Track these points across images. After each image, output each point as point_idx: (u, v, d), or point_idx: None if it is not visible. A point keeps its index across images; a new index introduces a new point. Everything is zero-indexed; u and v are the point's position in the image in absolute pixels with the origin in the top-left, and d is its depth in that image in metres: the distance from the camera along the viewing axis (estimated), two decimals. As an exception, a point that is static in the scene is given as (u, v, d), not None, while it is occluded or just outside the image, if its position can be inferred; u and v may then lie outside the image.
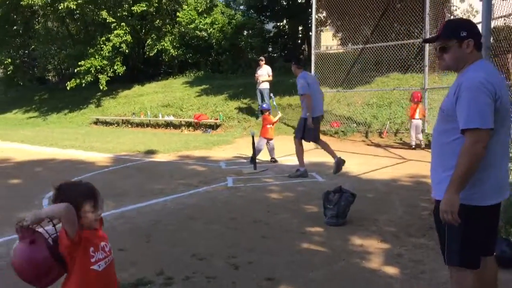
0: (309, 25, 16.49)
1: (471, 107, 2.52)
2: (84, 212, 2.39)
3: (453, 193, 2.53)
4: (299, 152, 8.45)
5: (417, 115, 11.35)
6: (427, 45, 11.79)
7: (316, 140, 8.56)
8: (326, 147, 8.36)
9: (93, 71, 21.55)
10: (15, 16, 25.39)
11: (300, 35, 24.47)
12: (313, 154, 9.89)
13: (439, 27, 3.29)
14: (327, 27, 21.41)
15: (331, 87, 14.80)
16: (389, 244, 4.80)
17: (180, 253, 4.71)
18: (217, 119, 16.58)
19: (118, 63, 22.22)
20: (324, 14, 19.65)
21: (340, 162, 7.98)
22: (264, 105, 10.69)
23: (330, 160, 8.33)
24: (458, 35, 2.69)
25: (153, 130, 18.17)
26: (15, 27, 26.17)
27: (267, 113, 10.12)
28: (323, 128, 13.53)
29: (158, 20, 23.39)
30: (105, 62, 21.66)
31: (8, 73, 27.86)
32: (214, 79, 22.32)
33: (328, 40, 21.61)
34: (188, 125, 17.45)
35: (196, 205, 6.70)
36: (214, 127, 16.59)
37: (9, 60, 26.05)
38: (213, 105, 18.18)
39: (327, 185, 7.05)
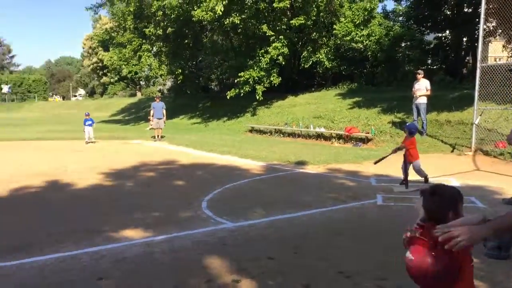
0: (476, 36, 15.25)
1: None
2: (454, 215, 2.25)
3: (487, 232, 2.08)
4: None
5: None
6: None
7: None
8: None
9: (251, 82, 22.78)
10: (186, 31, 28.08)
11: (464, 47, 22.78)
12: (473, 176, 9.09)
13: None
14: (497, 37, 19.58)
15: (497, 103, 13.47)
16: None
17: (326, 268, 4.72)
18: (368, 133, 16.23)
19: (274, 74, 23.14)
20: (494, 23, 18.00)
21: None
22: (412, 126, 9.79)
23: (491, 183, 7.58)
24: None
25: (303, 141, 18.49)
26: (186, 41, 28.91)
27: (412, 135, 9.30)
28: (486, 148, 12.38)
29: (314, 33, 23.84)
30: (262, 73, 22.74)
31: (178, 82, 30.85)
32: (367, 91, 21.93)
33: (497, 51, 19.76)
34: (339, 137, 17.39)
35: (344, 221, 6.65)
36: (365, 141, 16.27)
37: (180, 70, 28.84)
38: (365, 118, 17.85)
39: (488, 213, 6.42)
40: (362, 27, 21.96)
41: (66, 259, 5.09)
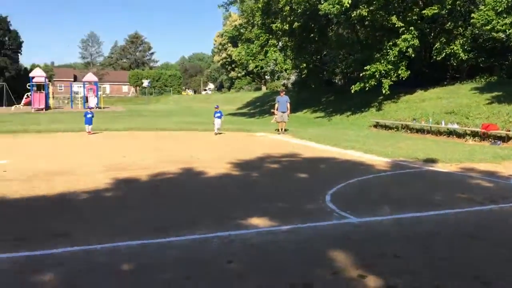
0: None
1: None
2: None
3: None
4: None
5: None
6: None
7: None
8: None
9: (377, 76, 22.13)
10: (312, 25, 28.14)
11: None
12: None
13: None
14: None
15: None
16: None
17: (460, 271, 4.45)
18: (509, 130, 14.85)
19: (403, 67, 22.21)
20: None
21: None
22: None
23: None
24: None
25: (433, 138, 17.52)
26: (311, 35, 28.99)
27: None
28: None
29: (449, 23, 22.38)
30: (389, 66, 21.96)
31: (302, 76, 31.09)
32: (509, 85, 20.03)
33: None
34: (474, 134, 16.16)
35: (480, 224, 6.20)
36: (505, 139, 14.91)
37: (304, 64, 29.04)
38: (506, 114, 16.36)
39: None
40: (505, 15, 20.05)
41: (200, 241, 5.47)
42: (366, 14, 21.48)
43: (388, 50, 22.01)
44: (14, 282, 4.28)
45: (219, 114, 19.42)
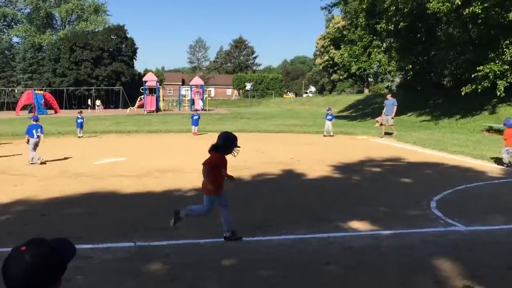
0: None
1: None
2: None
3: None
4: None
5: None
6: None
7: None
8: None
9: (491, 77, 20.61)
10: (419, 25, 26.96)
11: None
12: None
13: None
14: None
15: None
16: None
17: None
18: None
19: (522, 67, 20.45)
20: None
21: None
22: None
23: None
24: None
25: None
26: (418, 35, 27.78)
27: None
28: None
29: None
30: (506, 67, 20.35)
31: (408, 78, 29.89)
32: None
33: None
34: None
35: None
36: None
37: (410, 66, 27.90)
38: None
39: None
40: None
41: (299, 242, 5.54)
42: (479, 12, 20.09)
43: (504, 49, 20.39)
44: (128, 269, 4.67)
45: (330, 117, 19.53)
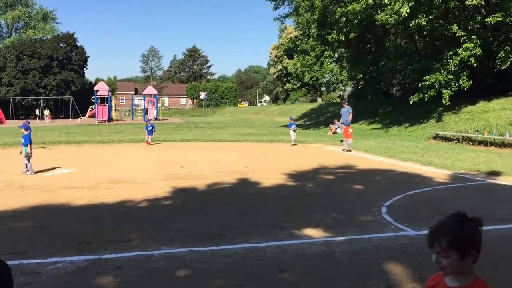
0: None
1: None
2: None
3: None
4: None
5: None
6: None
7: None
8: None
9: (437, 86, 21.47)
10: (369, 36, 27.79)
11: None
12: None
13: None
14: None
15: None
16: None
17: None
18: None
19: (464, 77, 21.41)
20: None
21: None
22: None
23: None
24: None
25: (497, 150, 16.72)
26: (368, 46, 28.62)
27: None
28: None
29: (514, 31, 21.38)
30: (450, 76, 21.25)
31: (359, 87, 30.68)
32: None
33: None
34: (542, 147, 15.30)
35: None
36: None
37: (361, 75, 28.67)
38: None
39: None
40: None
41: (253, 250, 5.53)
42: (425, 24, 20.95)
43: (449, 60, 21.31)
44: (77, 284, 4.51)
45: (294, 126, 19.71)
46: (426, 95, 22.05)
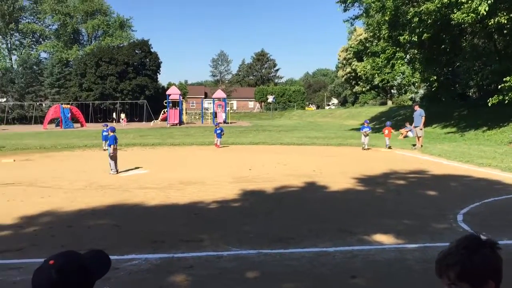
0: None
1: None
2: None
3: None
4: None
5: None
6: None
7: None
8: None
9: (518, 87, 20.21)
10: (443, 36, 26.67)
11: None
12: None
13: None
14: None
15: None
16: None
17: None
18: None
19: (550, 78, 20.00)
20: None
21: None
22: None
23: None
24: None
25: None
26: (442, 46, 27.47)
27: None
28: None
29: None
30: (534, 77, 19.94)
31: (432, 89, 29.51)
32: None
33: None
34: None
35: None
36: None
37: (434, 77, 27.57)
38: None
39: None
40: None
41: (322, 254, 5.48)
42: (505, 22, 19.80)
43: (532, 60, 20.05)
44: (152, 281, 4.70)
45: (366, 129, 19.27)
46: (507, 97, 20.81)
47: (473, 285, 1.50)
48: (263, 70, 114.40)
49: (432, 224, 6.83)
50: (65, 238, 6.20)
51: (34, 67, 63.89)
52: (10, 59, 70.80)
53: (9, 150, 19.29)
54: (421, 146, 18.68)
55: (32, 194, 9.45)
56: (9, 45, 71.64)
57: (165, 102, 46.31)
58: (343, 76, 75.67)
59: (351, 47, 44.00)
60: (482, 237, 1.58)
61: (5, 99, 60.80)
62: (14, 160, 15.67)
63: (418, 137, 19.10)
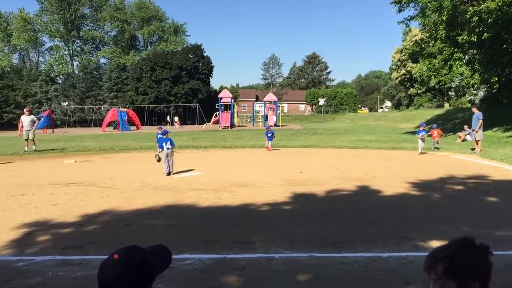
0: None
1: None
2: None
3: None
4: None
5: None
6: None
7: None
8: None
9: None
10: (505, 35, 25.49)
11: None
12: None
13: None
14: None
15: None
16: None
17: None
18: None
19: None
20: None
21: None
22: None
23: None
24: None
25: None
26: (504, 46, 26.26)
27: None
28: None
29: None
30: None
31: (493, 91, 28.27)
32: None
33: None
34: None
35: None
36: None
37: (496, 78, 26.38)
38: None
39: None
40: None
41: (375, 260, 5.38)
42: None
43: None
44: (205, 281, 4.78)
45: (423, 133, 18.63)
46: None
47: (459, 283, 1.50)
48: (314, 73, 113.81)
49: (492, 231, 6.54)
50: (123, 236, 6.42)
51: (94, 72, 66.74)
52: (72, 64, 74.30)
53: (71, 152, 20.24)
54: (480, 150, 17.88)
55: (92, 194, 9.86)
56: (71, 51, 75.23)
57: (217, 105, 47.01)
58: (397, 78, 73.86)
59: (406, 48, 42.82)
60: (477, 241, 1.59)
61: (67, 103, 63.81)
62: (76, 161, 16.43)
63: (477, 141, 18.32)
